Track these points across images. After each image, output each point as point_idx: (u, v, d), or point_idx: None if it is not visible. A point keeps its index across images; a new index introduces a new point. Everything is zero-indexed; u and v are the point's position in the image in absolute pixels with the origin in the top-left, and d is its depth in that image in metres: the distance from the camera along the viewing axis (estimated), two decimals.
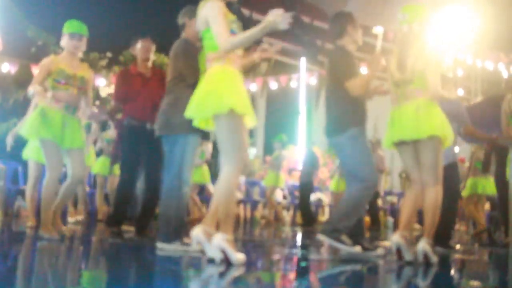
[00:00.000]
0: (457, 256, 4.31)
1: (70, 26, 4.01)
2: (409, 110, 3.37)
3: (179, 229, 3.50)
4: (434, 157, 3.36)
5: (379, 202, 9.71)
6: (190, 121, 3.00)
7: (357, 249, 3.59)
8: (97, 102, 9.70)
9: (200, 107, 2.85)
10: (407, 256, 3.27)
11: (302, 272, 2.98)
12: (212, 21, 2.86)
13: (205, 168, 7.59)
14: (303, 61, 13.19)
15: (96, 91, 9.88)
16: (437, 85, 3.34)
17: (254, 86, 12.03)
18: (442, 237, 4.53)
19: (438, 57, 3.55)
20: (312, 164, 8.19)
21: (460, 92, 11.57)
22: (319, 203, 9.41)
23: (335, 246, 3.54)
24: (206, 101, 2.81)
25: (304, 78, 13.03)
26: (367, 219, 8.73)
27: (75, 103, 3.97)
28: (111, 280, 2.40)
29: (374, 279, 3.01)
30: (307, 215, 8.20)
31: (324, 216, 9.87)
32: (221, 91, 2.79)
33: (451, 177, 4.52)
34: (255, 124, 2.96)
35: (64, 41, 4.01)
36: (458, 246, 4.88)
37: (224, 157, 2.83)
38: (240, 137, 2.80)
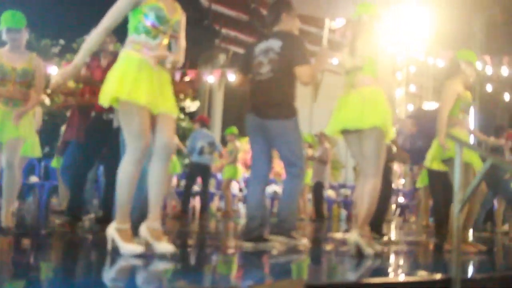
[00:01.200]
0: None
1: (4, 20, 3.95)
2: (355, 99, 3.40)
3: (138, 222, 3.45)
4: (376, 149, 3.36)
5: (332, 194, 9.91)
6: None
7: (305, 241, 3.67)
8: (48, 91, 9.37)
9: (102, 93, 2.81)
10: (367, 252, 3.27)
11: (249, 264, 3.01)
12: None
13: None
14: None
15: (47, 79, 9.55)
16: (388, 75, 3.42)
17: (212, 78, 11.95)
18: (375, 223, 4.72)
19: (388, 47, 3.65)
20: None
21: (412, 88, 11.96)
22: (274, 195, 9.48)
23: (289, 243, 3.57)
24: (104, 88, 2.81)
25: None
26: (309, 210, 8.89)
27: (15, 97, 3.96)
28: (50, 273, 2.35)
29: (322, 268, 3.08)
30: None
31: None
32: (111, 79, 2.79)
33: (386, 167, 4.70)
34: (164, 110, 2.86)
35: (3, 35, 3.98)
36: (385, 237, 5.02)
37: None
38: (134, 124, 2.75)
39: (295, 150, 3.63)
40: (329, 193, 9.67)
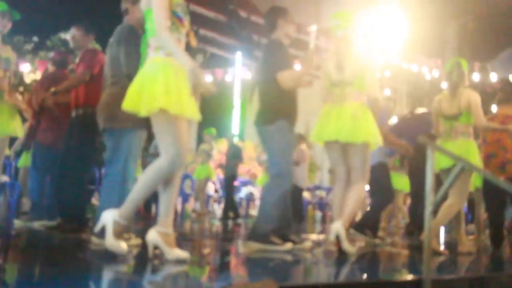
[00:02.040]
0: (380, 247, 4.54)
1: None
2: (347, 113, 3.55)
3: None
4: (363, 159, 3.62)
5: (307, 195, 9.97)
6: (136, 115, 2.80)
7: (288, 246, 3.59)
8: (21, 88, 9.18)
9: (134, 103, 2.67)
10: (345, 245, 3.41)
11: (224, 265, 3.01)
12: (154, 2, 2.69)
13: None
14: (239, 56, 13.23)
15: (20, 76, 9.35)
16: (375, 89, 3.58)
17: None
18: (371, 228, 4.83)
19: (374, 61, 3.76)
20: (235, 157, 8.20)
21: (387, 92, 12.13)
22: (250, 196, 9.49)
23: (268, 249, 3.52)
24: (139, 99, 2.65)
25: (240, 73, 13.09)
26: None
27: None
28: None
29: (297, 270, 3.10)
30: (231, 208, 8.21)
31: (255, 210, 9.98)
32: (154, 90, 2.62)
33: (381, 176, 4.80)
34: (197, 117, 2.79)
35: None
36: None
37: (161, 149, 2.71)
38: (178, 133, 2.65)
39: (272, 157, 3.69)
40: (304, 194, 9.72)
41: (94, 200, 8.50)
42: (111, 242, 2.63)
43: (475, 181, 6.79)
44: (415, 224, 6.39)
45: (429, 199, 2.73)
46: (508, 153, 4.77)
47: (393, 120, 5.97)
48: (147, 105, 2.62)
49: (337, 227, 3.45)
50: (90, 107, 4.01)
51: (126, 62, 3.38)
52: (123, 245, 2.65)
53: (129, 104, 2.69)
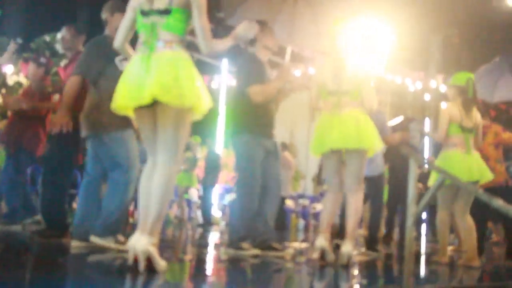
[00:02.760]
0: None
1: None
2: (349, 120, 3.54)
3: (117, 226, 3.43)
4: (362, 166, 3.63)
5: (290, 204, 9.98)
6: (123, 116, 2.82)
7: (256, 251, 3.66)
8: (3, 91, 9.06)
9: (171, 95, 2.51)
10: (330, 258, 3.45)
11: (206, 272, 3.00)
12: (200, 9, 2.65)
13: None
14: (225, 63, 13.24)
15: (3, 78, 9.23)
16: (373, 100, 3.60)
17: (196, 72, 11.87)
18: (370, 242, 4.88)
19: (370, 71, 3.77)
20: (214, 165, 8.18)
21: None
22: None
23: (238, 255, 3.58)
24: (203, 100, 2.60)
25: (225, 80, 13.09)
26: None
27: None
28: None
29: (279, 279, 3.10)
30: (206, 216, 8.17)
31: None
32: (203, 91, 2.63)
33: (380, 186, 4.87)
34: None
35: None
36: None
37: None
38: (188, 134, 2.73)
39: (240, 166, 3.82)
40: (288, 203, 9.73)
41: (75, 205, 8.39)
42: (163, 266, 2.50)
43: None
44: (391, 235, 6.49)
45: (411, 210, 2.76)
46: (490, 162, 4.89)
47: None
48: (188, 99, 2.54)
49: (349, 250, 3.46)
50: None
51: (85, 70, 3.54)
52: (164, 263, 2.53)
53: (165, 96, 2.51)
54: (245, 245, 3.63)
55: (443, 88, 9.79)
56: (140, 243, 2.43)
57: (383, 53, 10.74)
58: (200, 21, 2.65)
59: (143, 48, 2.64)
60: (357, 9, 9.40)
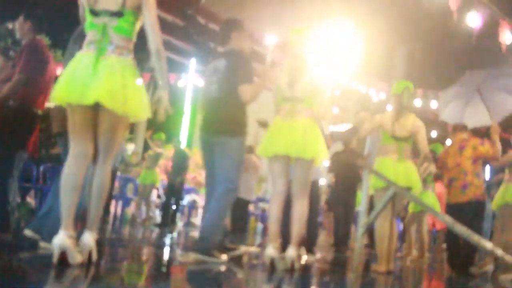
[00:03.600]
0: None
1: None
2: (298, 128, 3.59)
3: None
4: (308, 174, 3.67)
5: (250, 207, 9.99)
6: None
7: (225, 257, 3.60)
8: None
9: (117, 103, 2.57)
10: (280, 266, 3.45)
11: (160, 274, 2.96)
12: (150, 7, 2.68)
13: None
14: (193, 62, 13.14)
15: None
16: (327, 109, 3.68)
17: (140, 82, 11.69)
18: (308, 245, 4.91)
19: (327, 80, 3.80)
20: (181, 164, 8.08)
21: (336, 110, 12.44)
22: (192, 204, 9.41)
23: (209, 261, 3.49)
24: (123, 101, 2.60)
25: (192, 79, 13.00)
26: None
27: None
28: None
29: (232, 280, 3.10)
30: (165, 215, 8.06)
31: (197, 218, 9.89)
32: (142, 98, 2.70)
33: (314, 191, 4.90)
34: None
35: None
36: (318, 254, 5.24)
37: None
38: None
39: (231, 169, 3.65)
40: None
41: (29, 198, 8.15)
42: (77, 259, 2.51)
43: (414, 205, 7.07)
44: (339, 243, 6.61)
45: (363, 220, 2.81)
46: (468, 176, 5.04)
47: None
48: (139, 111, 2.64)
49: (293, 255, 3.50)
50: (14, 101, 3.88)
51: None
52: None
53: (111, 102, 2.55)
54: (216, 252, 3.56)
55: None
56: (84, 237, 2.56)
57: (349, 62, 10.90)
58: (150, 19, 2.67)
59: (92, 47, 2.64)
60: (324, 16, 9.53)
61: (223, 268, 3.36)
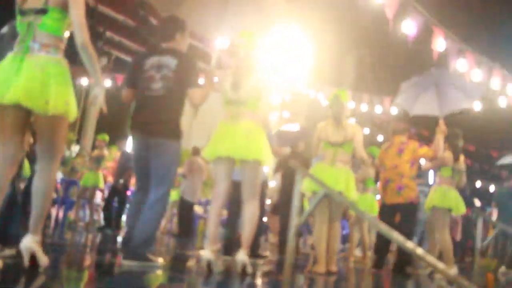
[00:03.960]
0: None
1: None
2: (241, 130, 3.58)
3: None
4: (256, 176, 3.66)
5: (199, 210, 9.94)
6: None
7: (161, 260, 3.56)
8: None
9: (40, 102, 2.54)
10: (216, 268, 3.46)
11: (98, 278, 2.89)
12: (77, 6, 2.64)
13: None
14: None
15: None
16: (268, 114, 3.68)
17: (86, 81, 11.43)
18: (252, 247, 4.93)
19: (271, 84, 3.81)
20: (124, 166, 7.92)
21: (286, 114, 12.59)
22: None
23: (145, 265, 3.41)
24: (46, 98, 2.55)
25: None
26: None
27: None
28: None
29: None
30: (108, 218, 7.88)
31: None
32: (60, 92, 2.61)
33: (261, 193, 4.92)
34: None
35: None
36: (267, 254, 5.27)
37: None
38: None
39: (168, 173, 3.58)
40: (196, 209, 9.68)
41: None
42: (44, 262, 2.65)
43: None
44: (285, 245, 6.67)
45: (294, 221, 2.83)
46: (404, 179, 5.18)
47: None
48: (53, 107, 2.55)
49: (244, 259, 3.50)
50: None
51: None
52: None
53: (30, 101, 2.50)
54: (151, 255, 3.50)
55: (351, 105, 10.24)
56: (26, 240, 2.60)
57: (299, 67, 11.03)
58: (75, 17, 2.63)
59: (18, 47, 2.62)
60: (275, 20, 9.62)
61: (159, 272, 3.31)
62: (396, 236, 2.30)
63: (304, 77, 11.23)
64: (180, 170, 8.46)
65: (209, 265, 3.47)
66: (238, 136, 3.58)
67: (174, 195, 8.70)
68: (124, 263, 3.42)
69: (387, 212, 5.26)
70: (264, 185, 4.99)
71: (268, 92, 3.74)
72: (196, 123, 13.78)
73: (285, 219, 7.13)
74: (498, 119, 8.72)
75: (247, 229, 3.62)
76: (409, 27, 4.74)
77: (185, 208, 8.25)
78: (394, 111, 9.18)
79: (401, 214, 5.24)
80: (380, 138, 12.75)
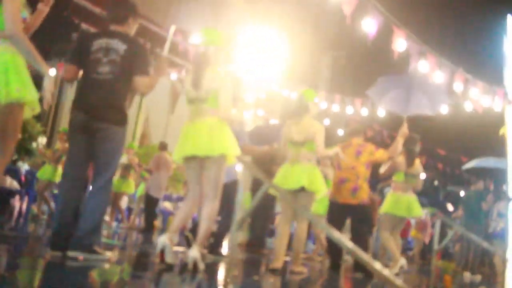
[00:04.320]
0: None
1: None
2: (203, 128, 3.51)
3: None
4: (219, 174, 3.56)
5: (168, 206, 9.86)
6: None
7: (110, 254, 3.48)
8: None
9: None
10: (169, 259, 3.39)
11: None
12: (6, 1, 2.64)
13: None
14: None
15: None
16: (228, 108, 3.55)
17: (53, 71, 11.20)
18: (214, 245, 4.89)
19: (234, 80, 3.73)
20: None
21: (261, 112, 12.56)
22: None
23: (91, 258, 3.32)
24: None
25: None
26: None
27: None
28: None
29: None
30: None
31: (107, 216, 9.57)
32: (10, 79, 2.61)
33: (232, 192, 4.87)
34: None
35: None
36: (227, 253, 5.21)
37: None
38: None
39: (112, 160, 3.47)
40: (166, 204, 9.59)
41: None
42: None
43: (318, 207, 7.27)
44: (256, 242, 6.64)
45: (237, 216, 2.80)
46: (360, 180, 5.18)
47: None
48: (23, 96, 2.63)
49: (163, 240, 3.43)
50: None
51: None
52: None
53: None
54: (98, 248, 3.39)
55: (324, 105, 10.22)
56: None
57: (273, 66, 10.98)
58: (7, 8, 2.65)
59: None
60: (248, 18, 9.59)
61: (107, 265, 3.25)
62: (335, 235, 2.28)
63: (277, 76, 11.23)
64: (148, 166, 8.36)
65: (162, 251, 3.40)
66: (200, 134, 3.51)
67: (141, 190, 8.60)
68: (69, 255, 3.31)
69: (337, 211, 5.26)
70: (235, 184, 4.88)
71: (227, 89, 3.60)
72: (173, 119, 13.63)
73: (256, 219, 7.09)
74: (464, 123, 8.83)
75: (203, 227, 3.56)
76: (369, 25, 4.74)
77: (149, 204, 8.14)
78: (364, 112, 9.21)
79: (354, 215, 5.25)
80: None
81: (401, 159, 5.51)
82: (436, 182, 18.12)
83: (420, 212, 5.53)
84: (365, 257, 2.16)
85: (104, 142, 3.43)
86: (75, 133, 3.49)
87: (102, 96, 3.42)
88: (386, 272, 2.01)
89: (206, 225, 3.55)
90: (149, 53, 3.65)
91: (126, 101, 3.55)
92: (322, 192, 4.52)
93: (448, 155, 13.25)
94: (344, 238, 2.31)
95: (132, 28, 3.67)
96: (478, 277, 7.74)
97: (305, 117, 4.46)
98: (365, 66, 12.26)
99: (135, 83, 3.47)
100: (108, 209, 8.99)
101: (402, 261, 5.31)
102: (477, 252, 7.90)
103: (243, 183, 3.92)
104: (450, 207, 15.59)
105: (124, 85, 3.47)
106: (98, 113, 3.41)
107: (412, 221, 12.20)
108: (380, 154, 5.29)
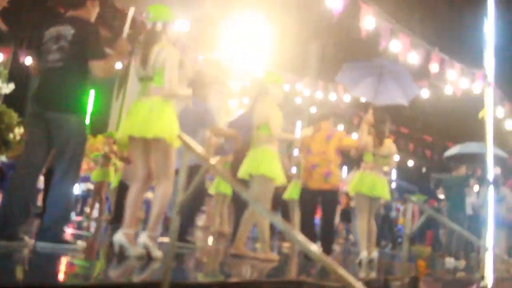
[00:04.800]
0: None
1: None
2: (143, 108, 3.39)
3: None
4: (165, 156, 3.44)
5: (151, 196, 9.72)
6: None
7: (80, 243, 3.45)
8: None
9: None
10: (131, 252, 3.30)
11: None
12: None
13: None
14: None
15: None
16: (172, 83, 3.39)
17: (29, 60, 11.04)
18: (180, 232, 4.75)
19: (176, 57, 3.55)
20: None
21: (246, 100, 12.43)
22: (88, 193, 9.00)
23: (60, 247, 3.27)
24: None
25: None
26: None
27: None
28: None
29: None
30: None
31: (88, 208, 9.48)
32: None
33: (192, 177, 4.74)
34: None
35: None
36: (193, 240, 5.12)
37: None
38: None
39: (67, 148, 3.39)
40: (149, 195, 9.43)
41: None
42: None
43: (291, 192, 7.18)
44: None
45: (178, 198, 2.67)
46: (332, 165, 5.08)
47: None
48: None
49: (145, 241, 3.36)
50: None
51: None
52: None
53: None
54: (67, 238, 3.39)
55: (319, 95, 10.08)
56: None
57: (259, 53, 10.80)
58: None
59: None
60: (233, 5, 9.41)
61: (76, 254, 3.21)
62: (279, 222, 2.15)
63: (263, 64, 11.10)
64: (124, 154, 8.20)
65: (121, 248, 3.33)
66: (138, 115, 3.38)
67: (116, 181, 8.46)
68: (38, 246, 3.25)
69: (309, 196, 5.18)
70: (198, 168, 4.75)
71: (172, 65, 3.43)
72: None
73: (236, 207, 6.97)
74: (445, 107, 8.67)
75: (154, 210, 3.44)
76: (334, 1, 4.56)
77: (122, 193, 7.98)
78: (347, 98, 9.07)
79: (326, 200, 5.19)
80: (340, 127, 12.71)
81: (368, 139, 5.39)
82: (424, 169, 18.03)
83: (385, 194, 5.34)
84: (307, 244, 2.02)
85: (58, 131, 3.40)
86: (31, 124, 3.50)
87: (53, 84, 3.40)
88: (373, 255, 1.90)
89: (158, 207, 3.44)
90: (99, 35, 3.49)
91: (82, 88, 3.48)
92: (271, 174, 4.35)
93: (434, 141, 13.10)
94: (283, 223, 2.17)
95: (92, 12, 3.57)
96: (462, 263, 7.63)
97: (266, 100, 4.36)
98: (352, 54, 12.11)
99: (91, 68, 3.40)
100: (90, 201, 8.90)
101: (364, 254, 5.15)
102: (460, 239, 7.79)
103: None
104: (441, 195, 15.49)
105: (76, 71, 3.41)
106: (51, 102, 3.39)
107: (402, 208, 12.12)
108: (348, 141, 5.27)
